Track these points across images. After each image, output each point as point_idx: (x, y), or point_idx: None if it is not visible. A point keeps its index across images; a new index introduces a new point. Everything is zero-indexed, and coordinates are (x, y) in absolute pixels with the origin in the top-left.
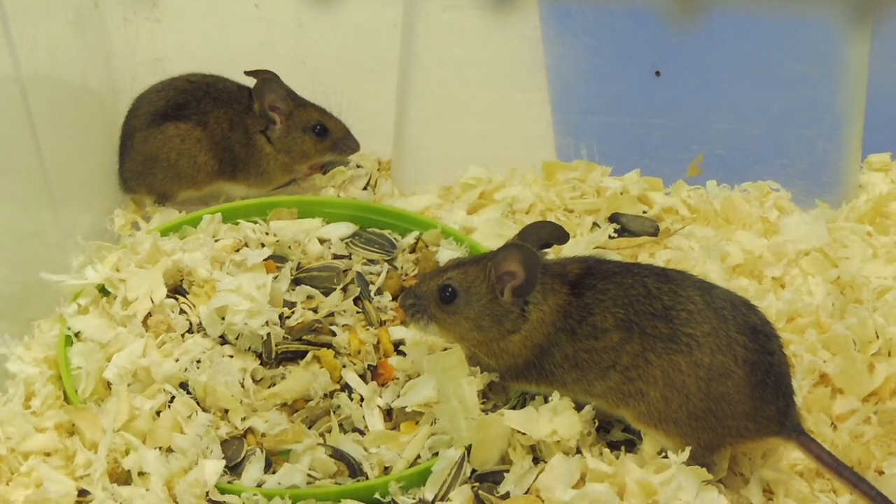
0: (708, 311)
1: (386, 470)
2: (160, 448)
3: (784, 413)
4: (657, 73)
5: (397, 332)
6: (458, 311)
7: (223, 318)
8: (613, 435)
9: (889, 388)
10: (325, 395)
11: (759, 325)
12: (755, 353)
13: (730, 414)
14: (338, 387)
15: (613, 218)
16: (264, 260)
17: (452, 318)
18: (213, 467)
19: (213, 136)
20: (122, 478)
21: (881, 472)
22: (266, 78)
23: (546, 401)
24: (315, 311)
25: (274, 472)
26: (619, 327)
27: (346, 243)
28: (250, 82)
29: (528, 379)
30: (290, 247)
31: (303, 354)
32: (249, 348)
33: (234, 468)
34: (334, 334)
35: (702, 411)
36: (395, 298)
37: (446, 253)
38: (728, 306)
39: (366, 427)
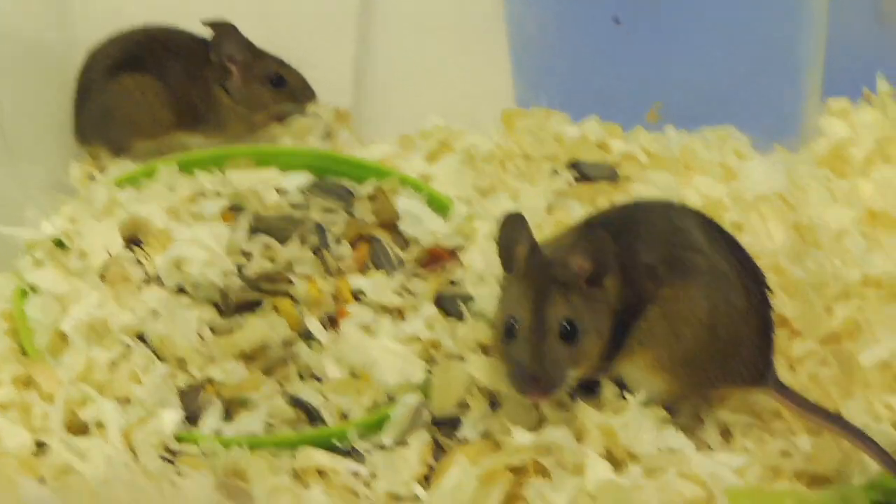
0: (733, 256)
1: (344, 417)
2: (118, 399)
3: (767, 366)
4: (616, 21)
5: (356, 281)
6: (586, 337)
7: (180, 269)
8: None
9: (846, 330)
10: (284, 343)
11: (764, 284)
12: (763, 306)
13: (736, 357)
14: (296, 335)
15: (572, 165)
16: (221, 210)
17: (584, 349)
18: (171, 417)
19: (171, 87)
20: (79, 429)
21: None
22: (224, 29)
23: None
24: (273, 260)
25: (232, 421)
26: (663, 261)
27: (304, 193)
28: (208, 33)
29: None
30: (247, 197)
31: (261, 304)
32: (207, 298)
33: (192, 418)
34: (292, 283)
35: (721, 353)
36: (353, 246)
37: (404, 201)
38: (746, 257)
39: (324, 374)
